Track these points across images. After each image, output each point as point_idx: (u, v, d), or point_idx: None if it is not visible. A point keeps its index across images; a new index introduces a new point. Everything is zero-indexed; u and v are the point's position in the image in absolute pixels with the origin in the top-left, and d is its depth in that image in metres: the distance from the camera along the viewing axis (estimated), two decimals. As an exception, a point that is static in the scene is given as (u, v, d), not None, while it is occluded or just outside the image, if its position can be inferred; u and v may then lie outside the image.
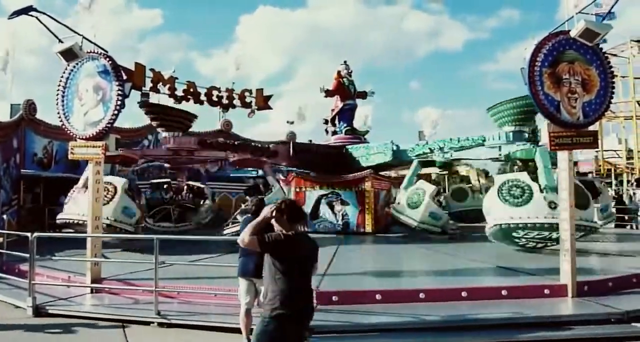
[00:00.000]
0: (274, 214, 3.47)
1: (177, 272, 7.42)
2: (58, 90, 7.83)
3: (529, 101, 11.75)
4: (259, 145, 14.24)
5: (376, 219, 14.66)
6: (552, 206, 9.30)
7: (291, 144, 15.09)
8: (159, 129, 13.06)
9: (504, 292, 6.56)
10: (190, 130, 20.73)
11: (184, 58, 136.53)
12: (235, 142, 15.20)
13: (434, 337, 5.46)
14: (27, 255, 6.80)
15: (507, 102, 12.43)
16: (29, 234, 6.81)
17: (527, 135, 12.42)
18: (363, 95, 18.73)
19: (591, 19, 6.96)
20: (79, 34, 7.45)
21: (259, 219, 3.50)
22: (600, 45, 7.34)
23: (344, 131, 17.30)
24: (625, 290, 6.95)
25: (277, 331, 3.32)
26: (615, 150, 33.62)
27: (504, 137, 12.48)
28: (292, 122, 24.70)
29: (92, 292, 7.30)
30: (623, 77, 27.71)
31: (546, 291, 6.66)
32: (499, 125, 12.76)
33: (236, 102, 21.19)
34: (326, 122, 18.19)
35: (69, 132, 7.82)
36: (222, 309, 6.03)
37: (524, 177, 10.35)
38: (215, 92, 21.12)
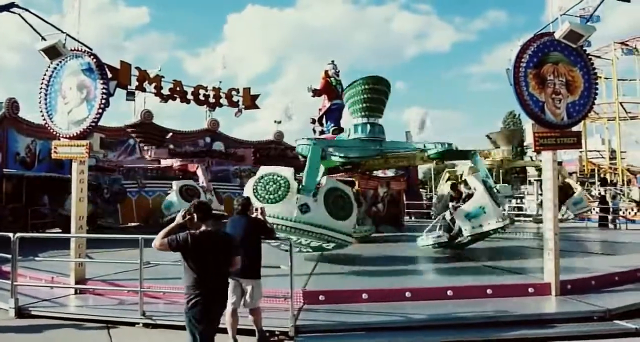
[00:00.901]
0: (186, 217, 3.89)
1: (163, 272, 7.35)
2: (41, 88, 7.69)
3: (376, 87, 10.13)
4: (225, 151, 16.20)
5: (364, 219, 14.53)
6: None
7: (251, 149, 15.95)
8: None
9: (489, 291, 6.63)
10: (179, 129, 20.74)
11: (171, 57, 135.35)
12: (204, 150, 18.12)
13: (420, 336, 5.48)
14: (9, 256, 6.69)
15: (354, 85, 10.25)
16: (10, 234, 6.67)
17: (376, 129, 10.23)
18: (351, 95, 18.72)
19: (575, 21, 7.06)
20: (62, 32, 7.33)
21: (172, 224, 3.92)
22: (585, 47, 7.45)
23: (331, 131, 17.27)
24: (607, 288, 7.06)
25: (199, 314, 3.77)
26: (598, 151, 34.22)
27: (352, 132, 10.45)
28: (279, 122, 24.65)
29: (76, 293, 7.21)
30: (607, 78, 28.17)
31: (530, 290, 6.74)
32: (351, 114, 10.61)
33: (223, 101, 21.11)
34: (314, 121, 18.15)
35: (52, 131, 7.69)
36: (208, 310, 5.98)
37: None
38: (202, 91, 20.98)
